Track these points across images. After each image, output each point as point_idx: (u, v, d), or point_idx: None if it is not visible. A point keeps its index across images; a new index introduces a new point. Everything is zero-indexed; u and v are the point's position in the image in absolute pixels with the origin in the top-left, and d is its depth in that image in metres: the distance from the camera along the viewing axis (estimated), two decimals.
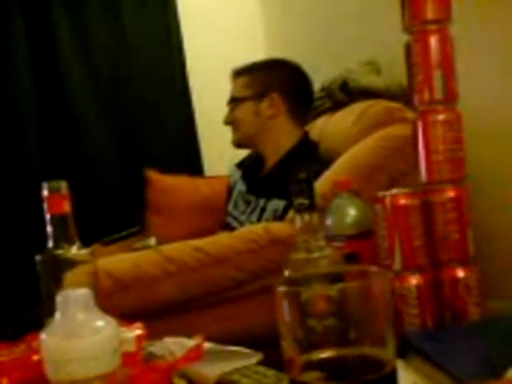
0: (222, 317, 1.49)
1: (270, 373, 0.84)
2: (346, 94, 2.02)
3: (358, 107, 1.90)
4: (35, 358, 0.81)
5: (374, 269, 0.58)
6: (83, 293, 0.69)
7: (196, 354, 0.85)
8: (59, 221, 0.91)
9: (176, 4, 2.82)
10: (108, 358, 0.67)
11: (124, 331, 0.85)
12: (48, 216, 0.92)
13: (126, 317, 0.88)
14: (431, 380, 0.79)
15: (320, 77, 2.09)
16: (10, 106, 2.58)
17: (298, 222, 0.92)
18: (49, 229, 0.92)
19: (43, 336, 0.68)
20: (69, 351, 0.66)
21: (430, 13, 0.97)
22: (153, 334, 0.93)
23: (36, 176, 2.43)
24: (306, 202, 0.91)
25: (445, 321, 0.96)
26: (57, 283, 0.87)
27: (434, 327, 0.95)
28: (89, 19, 2.71)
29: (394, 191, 0.99)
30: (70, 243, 0.91)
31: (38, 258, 0.92)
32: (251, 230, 1.59)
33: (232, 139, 1.99)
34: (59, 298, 0.69)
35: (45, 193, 0.92)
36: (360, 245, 1.07)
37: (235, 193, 2.05)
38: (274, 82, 1.93)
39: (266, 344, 0.80)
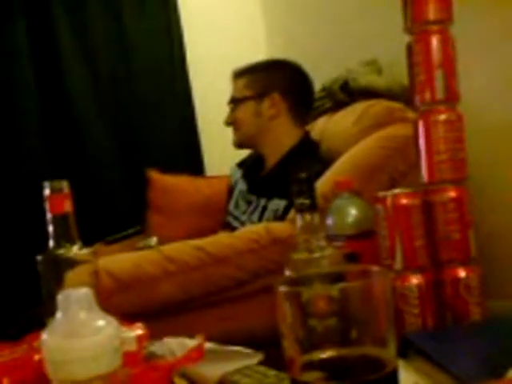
0: (223, 317, 1.49)
1: (271, 373, 0.84)
2: (346, 93, 2.02)
3: (358, 107, 1.90)
4: (36, 357, 0.81)
5: (374, 269, 0.58)
6: (84, 292, 0.69)
7: (197, 354, 0.85)
8: (60, 220, 0.91)
9: (176, 3, 2.82)
10: (109, 357, 0.67)
11: (125, 331, 0.85)
12: (49, 216, 0.92)
13: (126, 316, 0.88)
14: (432, 380, 0.79)
15: (321, 77, 2.09)
16: (10, 107, 2.59)
17: (299, 222, 0.92)
18: (50, 228, 0.92)
19: (44, 336, 0.68)
20: (70, 351, 0.66)
21: (431, 13, 0.97)
22: (154, 334, 0.93)
23: (37, 176, 2.43)
24: (306, 201, 0.91)
25: (446, 321, 0.96)
26: (58, 283, 0.87)
27: (435, 327, 0.95)
28: (89, 19, 2.71)
29: (395, 191, 0.99)
30: (72, 243, 0.92)
31: (39, 257, 0.92)
32: (252, 230, 1.59)
33: (233, 139, 1.99)
34: (60, 298, 0.69)
35: (46, 192, 0.92)
36: (361, 245, 1.07)
37: (236, 192, 2.05)
38: (274, 81, 1.93)
39: (266, 344, 0.80)
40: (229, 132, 2.00)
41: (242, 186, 2.04)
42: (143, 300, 1.44)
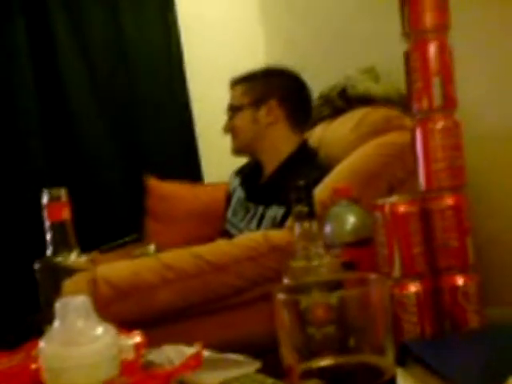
0: (221, 324, 1.48)
1: (269, 381, 0.84)
2: (344, 100, 2.02)
3: (356, 114, 1.90)
4: (33, 366, 0.81)
5: (373, 276, 0.58)
6: (82, 300, 0.69)
7: (195, 362, 0.85)
8: (58, 228, 0.91)
9: (175, 4, 2.82)
10: (107, 365, 0.67)
11: (123, 339, 0.85)
12: (47, 223, 0.92)
13: (124, 324, 0.87)
14: None
15: (319, 84, 2.09)
16: (9, 107, 2.58)
17: (297, 230, 0.92)
18: (48, 236, 0.92)
19: (42, 343, 0.68)
20: (67, 359, 0.66)
21: (428, 20, 0.98)
22: (152, 342, 0.92)
23: (35, 182, 2.43)
24: (305, 209, 0.91)
25: (444, 328, 0.95)
26: (56, 290, 0.87)
27: (433, 335, 0.95)
28: (88, 19, 2.71)
29: (393, 199, 0.99)
30: (69, 250, 0.91)
31: (37, 265, 0.92)
32: (250, 238, 1.59)
33: (231, 147, 2.00)
34: (58, 306, 0.69)
35: (44, 200, 0.92)
36: (359, 252, 1.07)
37: (234, 200, 2.06)
38: (271, 89, 1.93)
39: (265, 351, 0.80)
40: (227, 139, 2.01)
41: (240, 193, 2.04)
42: (141, 308, 1.44)
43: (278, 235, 1.53)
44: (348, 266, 1.03)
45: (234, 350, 0.94)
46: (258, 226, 1.82)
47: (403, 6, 1.00)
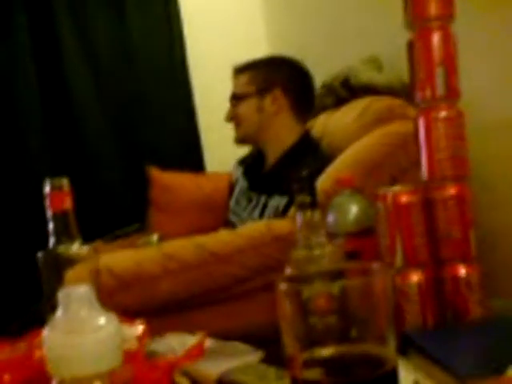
0: (224, 314, 1.49)
1: (271, 370, 0.84)
2: (347, 90, 2.02)
3: (359, 104, 1.90)
4: (37, 354, 0.81)
5: (375, 266, 0.58)
6: (85, 290, 0.69)
7: (197, 352, 0.85)
8: (61, 218, 0.92)
9: (178, 2, 2.82)
10: (110, 355, 0.67)
11: (126, 328, 0.86)
12: (49, 213, 0.92)
13: (127, 314, 0.88)
14: (432, 378, 0.79)
15: (322, 74, 2.09)
16: (12, 105, 2.59)
17: (300, 220, 0.92)
18: (50, 226, 0.92)
19: (45, 333, 0.68)
20: (70, 348, 0.66)
21: (432, 10, 0.97)
22: (155, 332, 0.93)
23: (38, 173, 2.44)
24: (307, 199, 0.91)
25: (446, 319, 0.96)
26: (58, 280, 0.88)
27: (435, 325, 0.95)
28: (91, 17, 2.71)
29: (396, 188, 0.99)
30: (72, 240, 0.92)
31: (39, 255, 0.92)
32: (253, 227, 1.59)
33: (234, 136, 1.99)
34: (61, 295, 0.69)
35: (47, 190, 0.92)
36: (361, 242, 1.07)
37: (237, 190, 2.05)
38: (276, 78, 1.93)
39: (267, 341, 0.80)
40: (229, 129, 2.00)
41: (242, 183, 2.04)
42: (144, 297, 1.44)
43: (280, 225, 1.53)
44: (350, 255, 1.03)
45: (237, 340, 0.94)
46: (261, 215, 1.82)
47: None
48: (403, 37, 1.01)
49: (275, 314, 0.57)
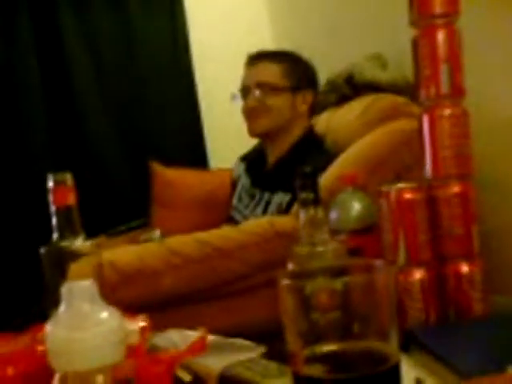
0: (226, 309, 1.49)
1: (273, 366, 0.85)
2: (351, 87, 2.01)
3: (363, 101, 1.89)
4: (40, 349, 0.81)
5: (378, 263, 0.58)
6: (88, 284, 0.69)
7: (199, 347, 0.85)
8: (64, 213, 0.92)
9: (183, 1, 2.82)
10: (112, 349, 0.67)
11: (128, 323, 0.86)
12: (53, 208, 0.92)
13: (130, 309, 0.88)
14: (434, 374, 0.79)
15: (326, 71, 2.08)
16: (16, 102, 2.59)
17: (303, 216, 0.92)
18: (54, 221, 0.92)
19: (48, 327, 0.68)
20: (73, 342, 0.66)
21: (437, 7, 0.97)
22: (157, 326, 0.93)
23: (41, 168, 2.44)
24: (310, 195, 0.91)
25: (448, 315, 0.96)
26: (61, 275, 0.88)
27: (438, 322, 0.95)
28: (94, 13, 2.71)
29: (400, 186, 0.99)
30: (75, 235, 0.92)
31: (42, 250, 0.92)
32: (256, 224, 1.59)
33: (253, 126, 1.90)
34: (64, 290, 0.69)
35: (50, 185, 0.92)
36: (364, 239, 1.07)
37: (239, 186, 2.05)
38: (308, 78, 1.92)
39: (269, 337, 0.81)
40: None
41: (245, 179, 2.04)
42: (147, 293, 1.44)
43: (283, 221, 1.54)
44: (353, 252, 1.03)
45: (239, 335, 0.94)
46: (264, 212, 1.82)
47: None
48: (408, 34, 1.01)
49: (278, 310, 0.57)
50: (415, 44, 1.00)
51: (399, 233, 0.96)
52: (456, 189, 0.97)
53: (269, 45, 2.72)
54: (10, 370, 0.81)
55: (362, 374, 0.55)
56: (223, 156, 2.61)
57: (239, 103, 1.94)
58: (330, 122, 2.02)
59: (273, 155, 1.94)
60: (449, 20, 0.98)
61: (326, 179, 1.46)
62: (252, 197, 1.93)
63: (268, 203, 1.82)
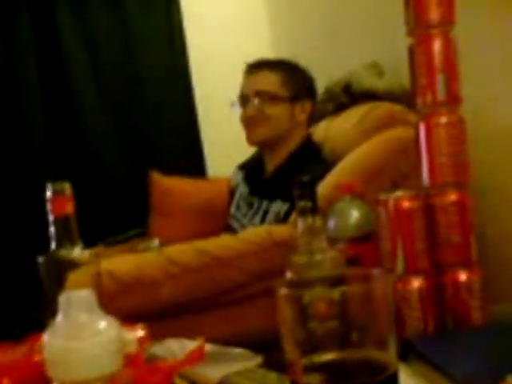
0: (224, 319, 1.49)
1: (272, 375, 0.84)
2: (348, 96, 2.02)
3: (360, 109, 1.90)
4: (37, 358, 0.81)
5: (376, 272, 0.58)
6: (86, 294, 0.69)
7: (197, 356, 0.85)
8: (62, 222, 0.92)
9: (179, 0, 2.82)
10: (110, 359, 0.67)
11: (126, 332, 0.86)
12: (51, 217, 0.92)
13: (128, 318, 0.88)
14: (433, 383, 0.78)
15: (323, 79, 2.09)
16: (14, 105, 2.59)
17: (301, 225, 0.92)
18: (52, 230, 0.92)
19: (45, 337, 0.68)
20: (71, 352, 0.66)
21: (433, 16, 0.97)
22: (155, 336, 0.93)
23: (39, 177, 2.44)
24: (308, 204, 0.91)
25: (447, 324, 0.95)
26: (59, 284, 0.88)
27: (436, 330, 0.95)
28: (92, 13, 2.72)
29: (397, 194, 0.99)
30: (73, 244, 0.92)
31: (40, 259, 0.92)
32: (254, 233, 1.59)
33: (253, 134, 1.91)
34: (62, 299, 0.69)
35: (48, 194, 0.92)
36: (362, 248, 1.07)
37: (237, 195, 2.05)
38: (307, 87, 1.93)
39: (267, 346, 0.80)
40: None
41: (243, 188, 2.04)
42: (145, 302, 1.44)
43: (281, 230, 1.53)
44: (351, 261, 1.03)
45: (237, 344, 0.94)
46: (262, 220, 1.82)
47: (408, 0, 0.99)
48: (404, 42, 1.02)
49: (276, 319, 0.57)
50: (411, 52, 1.00)
51: (397, 241, 0.96)
52: (453, 197, 0.97)
53: (267, 48, 2.73)
54: (6, 381, 0.80)
55: (361, 383, 0.55)
56: (220, 165, 2.61)
57: (238, 111, 1.95)
58: (327, 130, 2.02)
59: (271, 164, 1.95)
60: (444, 29, 0.98)
61: (323, 188, 1.46)
62: (250, 205, 1.93)
63: (266, 212, 1.82)
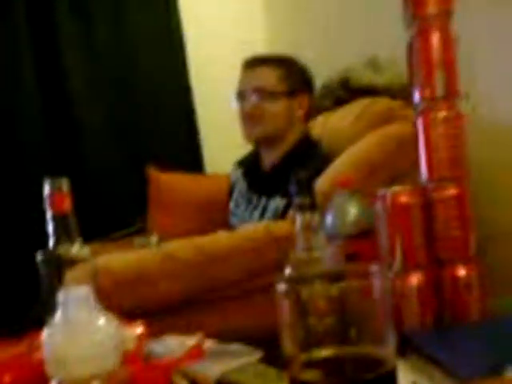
0: (223, 315, 1.49)
1: (270, 371, 0.85)
2: (347, 91, 2.02)
3: (359, 105, 1.90)
4: (36, 356, 0.81)
5: (374, 268, 0.58)
6: (84, 291, 0.69)
7: (196, 353, 0.85)
8: (60, 219, 0.91)
9: (177, 1, 2.82)
10: (109, 356, 0.67)
11: (125, 329, 0.86)
12: (49, 214, 0.92)
13: (126, 315, 0.88)
14: (431, 379, 0.79)
15: (320, 75, 2.08)
16: (12, 103, 2.59)
17: (299, 221, 0.92)
18: (50, 227, 0.92)
19: (44, 334, 0.68)
20: (69, 349, 0.66)
21: (431, 9, 0.97)
22: (153, 333, 0.93)
23: (37, 174, 2.43)
24: (306, 200, 0.91)
25: (445, 319, 0.96)
26: (58, 281, 0.87)
27: (435, 326, 0.95)
28: (92, 15, 2.71)
29: (395, 189, 0.99)
30: (71, 241, 0.92)
31: (39, 256, 0.92)
32: (252, 229, 1.59)
33: (252, 131, 1.91)
34: (60, 296, 0.69)
35: (46, 191, 0.92)
36: (360, 244, 1.07)
37: (236, 191, 2.05)
38: (305, 83, 1.92)
39: (266, 342, 0.80)
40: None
41: (242, 184, 2.03)
42: (143, 298, 1.44)
43: (279, 226, 1.53)
44: (349, 257, 1.03)
45: (236, 340, 0.94)
46: (261, 217, 1.82)
47: None
48: (402, 37, 1.01)
49: (274, 315, 0.57)
50: (409, 46, 1.00)
51: (395, 237, 0.96)
52: (451, 191, 0.97)
53: (264, 51, 2.73)
54: (6, 378, 0.80)
55: (359, 379, 0.55)
56: (219, 162, 2.61)
57: (235, 107, 1.95)
58: (325, 126, 2.02)
59: (269, 160, 1.94)
60: (443, 22, 0.98)
61: (321, 184, 1.46)
62: (249, 202, 1.93)
63: (265, 208, 1.82)
